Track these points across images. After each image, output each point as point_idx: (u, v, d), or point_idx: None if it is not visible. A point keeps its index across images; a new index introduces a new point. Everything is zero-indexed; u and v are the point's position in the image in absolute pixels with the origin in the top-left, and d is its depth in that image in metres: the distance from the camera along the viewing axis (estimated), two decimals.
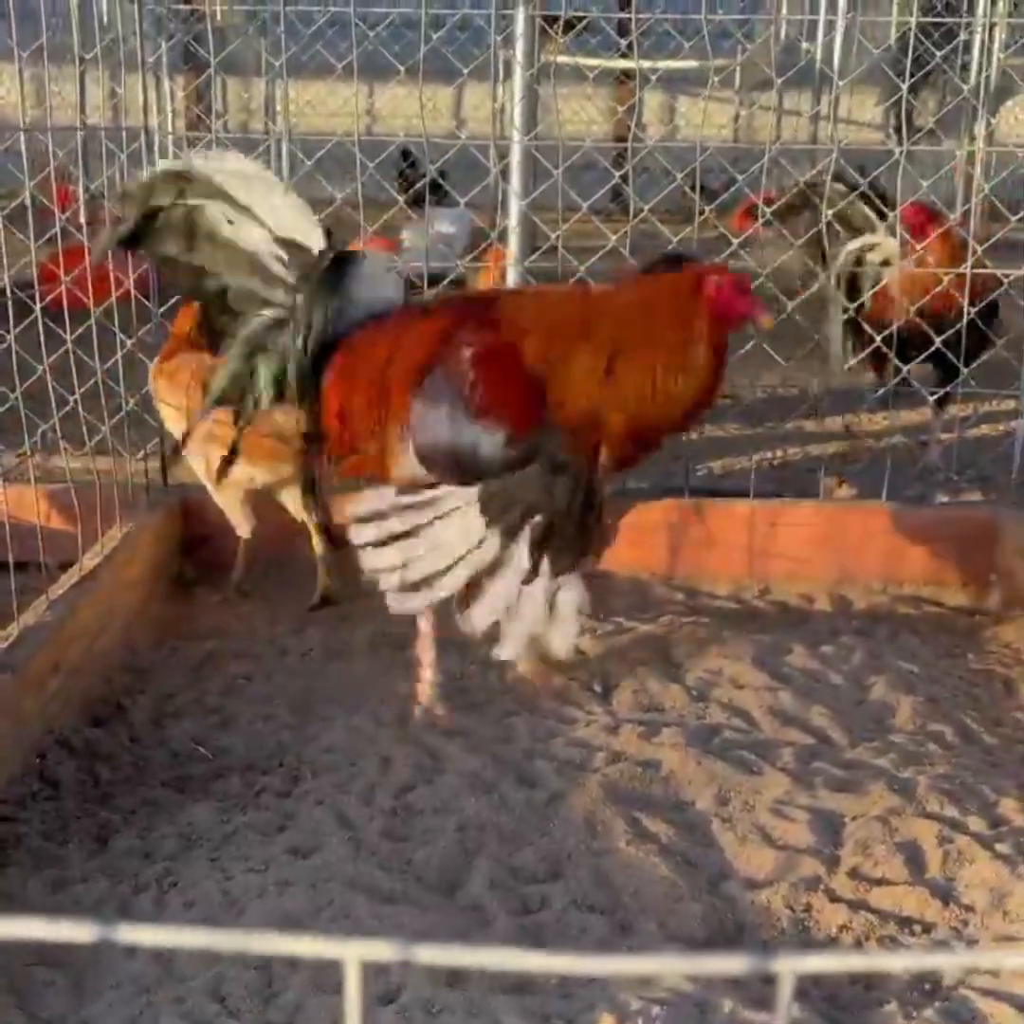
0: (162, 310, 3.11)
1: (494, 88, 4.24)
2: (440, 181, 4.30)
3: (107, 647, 2.54)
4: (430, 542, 2.25)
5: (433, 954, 0.57)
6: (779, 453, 3.81)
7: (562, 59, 5.55)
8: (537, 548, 2.22)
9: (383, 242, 3.62)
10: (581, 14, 5.75)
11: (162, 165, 2.33)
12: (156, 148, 3.97)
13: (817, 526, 3.04)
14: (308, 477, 2.79)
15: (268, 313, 2.29)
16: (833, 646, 2.68)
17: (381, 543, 2.28)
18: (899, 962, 0.61)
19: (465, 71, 3.41)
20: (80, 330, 2.82)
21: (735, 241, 3.32)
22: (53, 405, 2.63)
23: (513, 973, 1.68)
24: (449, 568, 2.24)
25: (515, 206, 3.30)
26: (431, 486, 2.25)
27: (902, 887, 1.87)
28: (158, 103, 4.47)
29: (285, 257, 2.26)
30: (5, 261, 2.60)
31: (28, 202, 2.91)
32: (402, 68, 3.40)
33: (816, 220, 3.56)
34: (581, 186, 4.19)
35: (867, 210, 3.67)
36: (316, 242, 2.25)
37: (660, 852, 1.94)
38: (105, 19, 4.09)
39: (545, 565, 2.22)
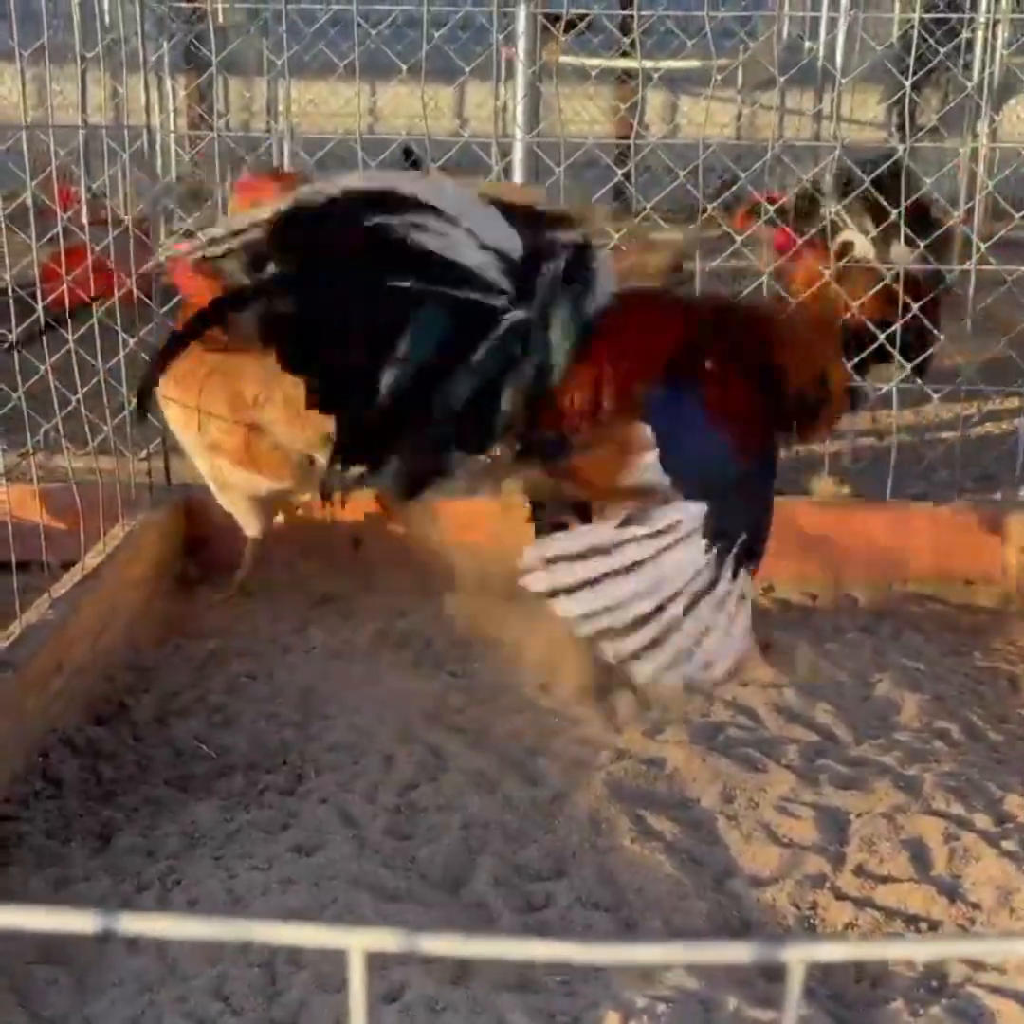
0: (164, 309, 3.11)
1: (496, 87, 4.24)
2: None
3: (110, 646, 2.54)
4: (651, 578, 2.14)
5: (437, 944, 0.56)
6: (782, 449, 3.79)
7: (564, 59, 5.55)
8: (738, 563, 2.17)
9: None
10: (583, 13, 5.75)
11: (341, 183, 2.06)
12: (159, 147, 3.98)
13: (821, 523, 3.03)
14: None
15: (507, 321, 2.12)
16: (837, 644, 2.67)
17: (585, 585, 2.17)
18: (910, 950, 0.60)
19: (467, 69, 3.41)
20: (82, 330, 2.82)
21: (738, 240, 3.31)
22: (55, 404, 2.63)
23: (517, 971, 1.67)
24: (663, 606, 2.15)
25: None
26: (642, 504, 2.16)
27: (908, 884, 1.86)
28: (160, 102, 4.47)
29: (501, 265, 2.11)
30: (7, 261, 2.60)
31: (30, 202, 2.91)
32: (404, 67, 3.40)
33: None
34: (583, 185, 4.18)
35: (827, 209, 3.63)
36: (517, 246, 2.13)
37: (665, 850, 1.93)
38: (107, 19, 4.09)
39: (742, 577, 2.18)
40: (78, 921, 0.58)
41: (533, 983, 1.67)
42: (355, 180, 2.13)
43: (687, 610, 2.15)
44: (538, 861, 1.93)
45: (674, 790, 2.12)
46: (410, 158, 4.94)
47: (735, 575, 2.17)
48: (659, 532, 2.14)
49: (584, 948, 0.56)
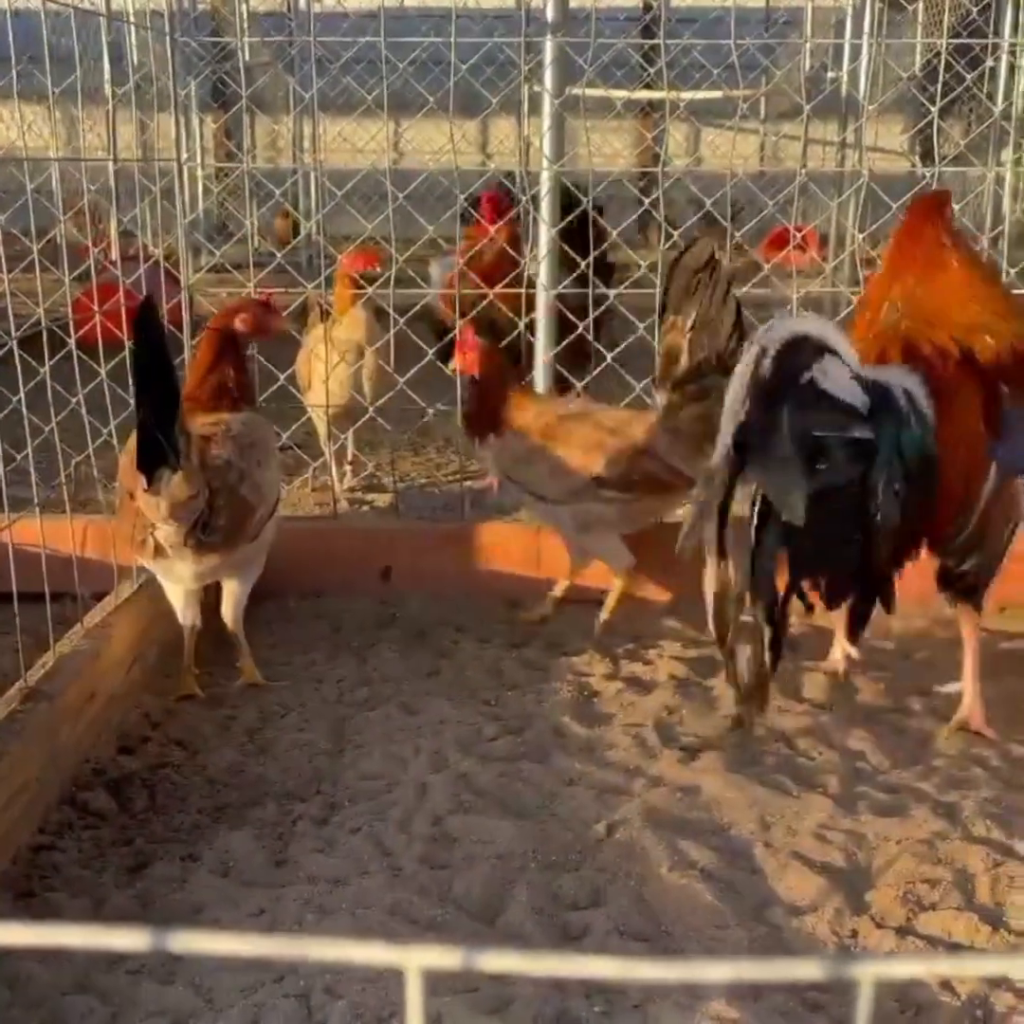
0: (194, 341, 3.12)
1: (520, 120, 4.26)
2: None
3: (142, 676, 2.54)
4: None
5: (496, 961, 0.55)
6: None
7: (589, 92, 5.57)
8: None
9: (366, 253, 3.60)
10: (609, 42, 5.75)
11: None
12: (186, 183, 4.02)
13: None
14: None
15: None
16: (873, 670, 2.65)
17: None
18: (982, 967, 0.59)
19: (493, 102, 3.43)
20: (113, 363, 2.83)
21: (766, 267, 3.32)
22: (88, 437, 2.64)
23: (557, 1001, 1.65)
24: None
25: (544, 234, 3.31)
26: None
27: (950, 912, 1.83)
28: (187, 140, 4.51)
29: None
30: (41, 296, 2.62)
31: (61, 238, 2.93)
32: (431, 100, 3.43)
33: None
34: (609, 215, 4.18)
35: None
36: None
37: (702, 878, 1.91)
38: (136, 59, 4.14)
39: None
40: (134, 939, 0.58)
41: (572, 1014, 1.65)
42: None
43: None
44: (574, 890, 1.91)
45: (711, 818, 2.10)
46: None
47: None
48: None
49: (643, 966, 0.55)
